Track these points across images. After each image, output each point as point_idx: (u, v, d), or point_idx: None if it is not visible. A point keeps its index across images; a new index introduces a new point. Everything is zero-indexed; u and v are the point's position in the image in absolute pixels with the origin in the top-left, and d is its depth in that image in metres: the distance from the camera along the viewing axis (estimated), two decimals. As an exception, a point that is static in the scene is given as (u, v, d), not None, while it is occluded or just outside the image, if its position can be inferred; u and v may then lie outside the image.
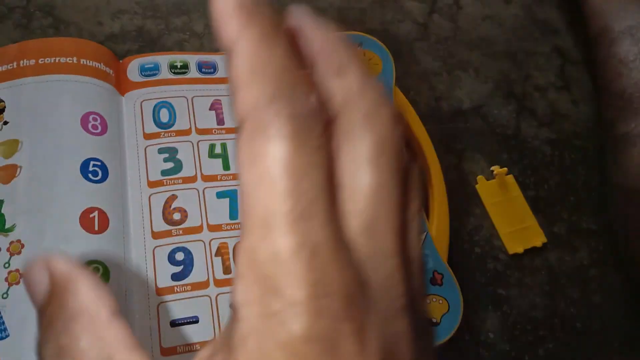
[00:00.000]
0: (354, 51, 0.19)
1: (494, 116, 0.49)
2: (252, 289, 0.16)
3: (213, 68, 0.45)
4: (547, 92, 0.51)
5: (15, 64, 0.41)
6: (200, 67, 0.44)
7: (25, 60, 0.41)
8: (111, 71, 0.43)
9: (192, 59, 0.44)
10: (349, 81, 0.18)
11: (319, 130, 0.17)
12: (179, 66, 0.44)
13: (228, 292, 0.37)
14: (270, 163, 0.16)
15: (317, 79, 0.19)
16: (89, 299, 0.20)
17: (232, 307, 0.17)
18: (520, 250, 0.44)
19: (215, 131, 0.42)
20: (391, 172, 0.18)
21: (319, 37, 0.19)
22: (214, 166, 0.41)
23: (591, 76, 0.51)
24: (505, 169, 0.45)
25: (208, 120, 0.43)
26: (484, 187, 0.46)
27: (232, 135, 0.42)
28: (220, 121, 0.43)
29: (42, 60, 0.41)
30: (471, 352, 0.40)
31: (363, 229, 0.17)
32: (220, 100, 0.43)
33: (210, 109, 0.43)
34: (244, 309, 0.16)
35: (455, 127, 0.48)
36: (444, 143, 0.47)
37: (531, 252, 0.44)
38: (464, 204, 0.45)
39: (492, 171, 0.45)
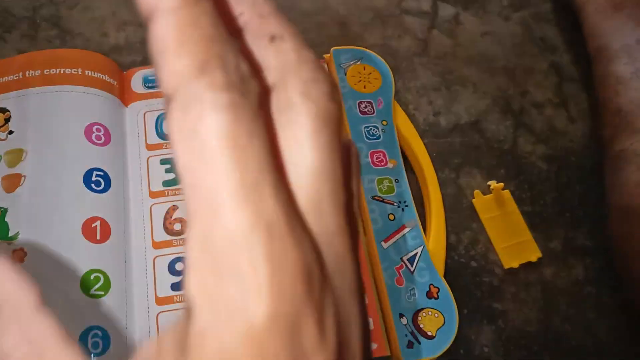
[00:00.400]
0: (286, 19, 0.18)
1: (492, 131, 0.50)
2: (208, 278, 0.14)
3: None
4: (545, 109, 0.51)
5: (21, 74, 0.42)
6: None
7: (31, 71, 0.42)
8: (115, 82, 0.43)
9: None
10: (284, 52, 0.17)
11: (255, 100, 0.16)
12: None
13: None
14: (208, 137, 0.15)
15: (248, 46, 0.17)
16: (10, 289, 0.18)
17: (186, 303, 0.15)
18: (515, 265, 0.44)
19: None
20: (332, 149, 0.17)
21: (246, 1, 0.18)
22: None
23: (588, 94, 0.52)
24: (502, 184, 0.46)
25: None
26: (480, 201, 0.46)
27: None
28: None
29: (47, 71, 0.42)
30: (465, 366, 0.41)
31: (310, 206, 0.16)
32: None
33: None
34: (199, 301, 0.14)
35: (453, 141, 0.49)
36: (441, 157, 0.47)
37: (526, 267, 0.45)
38: (461, 218, 0.46)
39: (489, 186, 0.46)
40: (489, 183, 0.46)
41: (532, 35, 0.55)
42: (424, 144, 0.46)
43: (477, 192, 0.46)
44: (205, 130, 0.14)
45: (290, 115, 0.16)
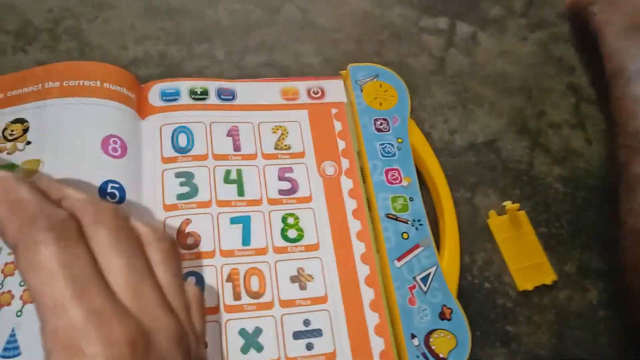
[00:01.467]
0: (63, 187, 0.28)
1: (508, 151, 0.49)
2: (60, 357, 0.21)
3: (232, 95, 0.45)
4: (561, 130, 0.51)
5: (40, 85, 0.42)
6: (220, 93, 0.45)
7: (50, 82, 0.42)
8: (133, 95, 0.44)
9: (212, 85, 0.46)
10: (71, 202, 0.26)
11: (74, 232, 0.24)
12: (199, 92, 0.45)
13: (238, 319, 0.38)
14: (46, 264, 0.22)
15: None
16: None
17: None
18: (530, 287, 0.44)
19: (231, 157, 0.43)
20: (130, 249, 0.25)
21: (45, 183, 0.27)
22: (229, 192, 0.42)
23: (605, 115, 0.52)
24: (518, 204, 0.45)
25: (225, 146, 0.44)
26: (495, 222, 0.46)
27: (248, 162, 0.43)
28: (236, 147, 0.44)
29: (66, 83, 0.42)
30: (478, 389, 0.40)
31: (130, 293, 0.24)
32: (237, 126, 0.44)
33: (227, 135, 0.44)
34: None
35: (469, 160, 0.48)
36: (457, 176, 0.47)
37: (541, 289, 0.44)
38: (475, 238, 0.45)
39: (504, 206, 0.46)
40: (504, 203, 0.46)
41: (550, 56, 0.54)
42: (439, 162, 0.46)
43: (492, 212, 0.46)
44: (43, 260, 0.22)
45: (94, 235, 0.25)
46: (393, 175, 0.43)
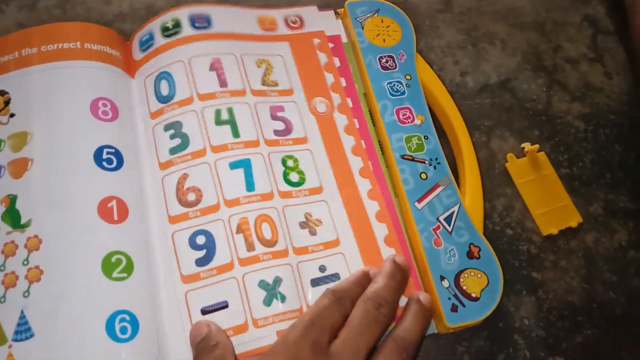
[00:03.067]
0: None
1: (523, 91, 0.46)
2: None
3: (207, 22, 0.41)
4: (579, 65, 0.48)
5: (17, 53, 0.39)
6: (194, 21, 0.41)
7: (27, 49, 0.39)
8: (118, 53, 0.41)
9: (184, 13, 0.41)
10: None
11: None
12: (170, 26, 0.40)
13: (255, 270, 0.35)
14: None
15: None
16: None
17: None
18: (554, 231, 0.42)
19: (218, 95, 0.39)
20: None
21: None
22: (223, 134, 0.38)
23: (625, 46, 0.49)
24: (537, 145, 0.43)
25: (209, 83, 0.39)
26: (514, 165, 0.43)
27: (238, 99, 0.39)
28: (222, 83, 0.39)
29: (44, 48, 0.39)
30: (505, 340, 0.38)
31: None
32: (219, 59, 0.40)
33: (210, 70, 0.40)
34: None
35: (483, 103, 0.46)
36: (471, 120, 0.44)
37: (566, 233, 0.42)
38: (494, 184, 0.43)
39: (523, 149, 0.43)
40: (522, 145, 0.43)
41: (562, -14, 0.51)
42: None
43: (510, 155, 0.44)
44: None
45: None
46: (405, 115, 0.41)
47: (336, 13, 0.45)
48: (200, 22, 0.41)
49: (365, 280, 0.35)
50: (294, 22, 0.43)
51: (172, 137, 0.38)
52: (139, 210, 0.36)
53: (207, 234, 0.36)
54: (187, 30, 0.40)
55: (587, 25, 0.50)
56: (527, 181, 0.43)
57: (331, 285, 0.36)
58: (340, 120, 0.41)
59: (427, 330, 0.34)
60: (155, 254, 0.35)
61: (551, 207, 0.42)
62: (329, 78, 0.42)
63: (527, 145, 0.43)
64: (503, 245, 0.41)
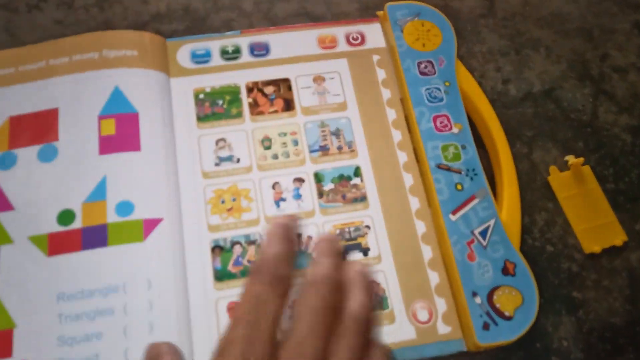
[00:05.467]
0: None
1: (568, 100, 0.44)
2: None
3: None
4: (628, 74, 0.46)
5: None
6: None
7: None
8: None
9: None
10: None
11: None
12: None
13: None
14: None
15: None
16: None
17: None
18: (597, 249, 0.40)
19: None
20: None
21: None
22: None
23: (678, 55, 0.46)
24: (582, 158, 0.41)
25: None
26: (557, 179, 0.42)
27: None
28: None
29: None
30: (544, 362, 0.37)
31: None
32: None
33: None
34: None
35: (525, 112, 0.44)
36: (512, 130, 0.43)
37: (610, 251, 0.40)
38: (535, 197, 0.41)
39: (566, 161, 0.41)
40: (566, 158, 0.41)
41: (612, -8, 0.49)
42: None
43: (552, 168, 0.42)
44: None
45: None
46: (442, 122, 0.39)
47: (375, 16, 0.44)
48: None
49: (285, 234, 0.28)
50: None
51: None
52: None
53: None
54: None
55: (637, 32, 0.47)
56: (570, 195, 0.41)
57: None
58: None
59: (375, 300, 0.29)
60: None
61: (595, 224, 0.41)
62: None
63: (571, 158, 0.41)
64: (543, 262, 0.39)
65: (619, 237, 0.40)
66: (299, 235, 0.35)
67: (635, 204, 0.42)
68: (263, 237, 0.31)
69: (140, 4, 0.44)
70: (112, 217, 0.34)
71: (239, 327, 0.25)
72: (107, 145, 0.36)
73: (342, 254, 0.29)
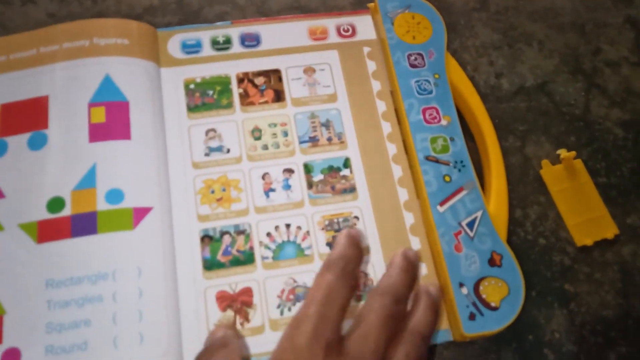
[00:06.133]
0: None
1: (561, 94, 0.44)
2: None
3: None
4: (620, 68, 0.46)
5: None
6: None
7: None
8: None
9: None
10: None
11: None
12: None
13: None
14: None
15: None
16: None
17: None
18: (589, 242, 0.40)
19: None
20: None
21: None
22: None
23: (671, 50, 0.46)
24: (574, 152, 0.41)
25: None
26: (549, 172, 0.42)
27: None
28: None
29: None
30: (535, 353, 0.37)
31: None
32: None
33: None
34: None
35: (518, 106, 0.44)
36: (505, 124, 0.43)
37: (602, 244, 0.40)
38: (527, 191, 0.41)
39: (559, 155, 0.41)
40: (558, 152, 0.41)
41: (605, -13, 0.49)
42: (486, 109, 0.41)
43: (545, 161, 0.42)
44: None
45: None
46: (431, 114, 0.39)
47: (365, 7, 0.44)
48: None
49: (357, 241, 0.33)
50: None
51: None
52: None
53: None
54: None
55: (629, 27, 0.47)
56: (562, 189, 0.41)
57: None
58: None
59: (438, 322, 0.33)
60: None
61: (587, 217, 0.41)
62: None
63: (563, 152, 0.41)
64: (535, 255, 0.39)
65: (610, 231, 0.40)
66: (288, 226, 0.35)
67: (626, 197, 0.41)
68: (337, 238, 0.33)
69: (134, -3, 0.44)
70: (102, 205, 0.34)
71: (312, 306, 0.29)
72: (97, 133, 0.36)
73: (415, 271, 0.33)
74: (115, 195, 0.35)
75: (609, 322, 0.38)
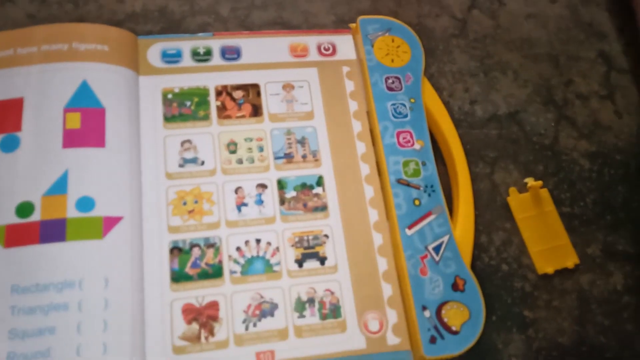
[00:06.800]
0: None
1: (531, 124, 0.46)
2: None
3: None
4: (590, 101, 0.47)
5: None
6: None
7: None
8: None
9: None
10: None
11: None
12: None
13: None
14: None
15: None
16: None
17: None
18: (550, 270, 0.41)
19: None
20: None
21: None
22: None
23: (638, 86, 0.48)
24: (540, 182, 0.42)
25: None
26: (515, 200, 0.43)
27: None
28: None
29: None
30: (491, 377, 0.38)
31: None
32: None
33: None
34: None
35: (489, 133, 0.45)
36: (476, 150, 0.44)
37: (562, 273, 0.41)
38: (494, 216, 0.42)
39: (526, 183, 0.42)
40: (526, 180, 0.43)
41: (580, 20, 0.50)
42: (458, 134, 0.42)
43: (512, 189, 0.43)
44: None
45: None
46: (405, 138, 0.40)
47: (347, 27, 0.45)
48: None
49: None
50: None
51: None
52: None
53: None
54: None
55: (601, 61, 0.49)
56: (528, 217, 0.42)
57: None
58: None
59: None
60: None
61: (549, 245, 0.42)
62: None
63: (530, 181, 0.42)
64: (497, 281, 0.40)
65: (570, 260, 0.41)
66: (258, 241, 0.36)
67: (588, 228, 0.43)
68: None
69: (115, 3, 0.44)
70: (72, 212, 0.34)
71: None
72: (71, 139, 0.36)
73: None
74: (85, 203, 0.35)
75: (565, 349, 0.39)
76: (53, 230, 0.34)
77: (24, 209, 0.34)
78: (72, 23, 0.40)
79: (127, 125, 0.38)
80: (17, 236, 0.34)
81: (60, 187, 0.35)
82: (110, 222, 0.35)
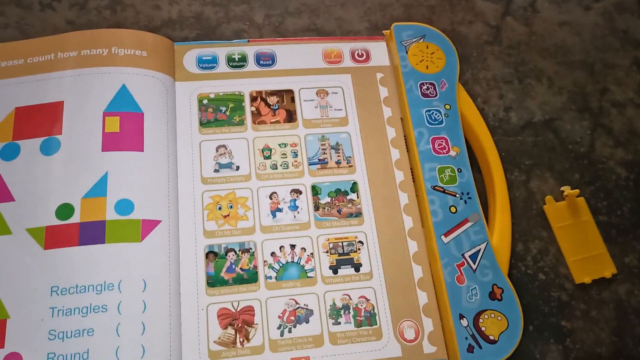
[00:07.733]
0: None
1: (567, 131, 0.45)
2: None
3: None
4: (625, 109, 0.47)
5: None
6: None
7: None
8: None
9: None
10: None
11: None
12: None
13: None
14: None
15: None
16: None
17: None
18: (587, 280, 0.40)
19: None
20: None
21: None
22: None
23: (676, 95, 0.47)
24: (577, 190, 0.41)
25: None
26: (552, 208, 0.42)
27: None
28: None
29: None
30: (528, 388, 0.37)
31: None
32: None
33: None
34: None
35: (525, 140, 0.44)
36: (511, 157, 0.43)
37: (599, 283, 0.40)
38: (530, 225, 0.42)
39: (563, 192, 0.42)
40: (562, 189, 0.42)
41: (615, 27, 0.50)
42: (493, 141, 0.42)
43: (549, 197, 0.42)
44: None
45: None
46: (440, 145, 0.40)
47: (381, 34, 0.45)
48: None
49: None
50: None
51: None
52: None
53: None
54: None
55: (636, 69, 0.48)
56: (564, 226, 0.42)
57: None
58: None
59: None
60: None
61: (586, 255, 0.41)
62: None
63: (567, 189, 0.42)
64: (534, 290, 0.40)
65: (608, 270, 0.41)
66: (292, 246, 0.36)
67: (625, 237, 0.42)
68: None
69: (152, 10, 0.45)
70: (111, 215, 0.35)
71: None
72: (111, 143, 0.36)
73: None
74: (125, 205, 0.35)
75: (602, 359, 0.39)
76: (92, 233, 0.34)
77: (64, 211, 0.35)
78: (111, 29, 0.40)
79: (164, 130, 0.38)
80: (56, 238, 0.34)
81: (99, 189, 0.35)
82: (148, 226, 0.35)
